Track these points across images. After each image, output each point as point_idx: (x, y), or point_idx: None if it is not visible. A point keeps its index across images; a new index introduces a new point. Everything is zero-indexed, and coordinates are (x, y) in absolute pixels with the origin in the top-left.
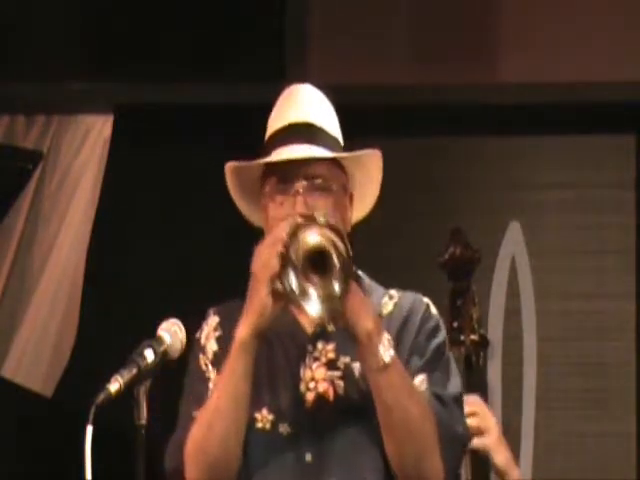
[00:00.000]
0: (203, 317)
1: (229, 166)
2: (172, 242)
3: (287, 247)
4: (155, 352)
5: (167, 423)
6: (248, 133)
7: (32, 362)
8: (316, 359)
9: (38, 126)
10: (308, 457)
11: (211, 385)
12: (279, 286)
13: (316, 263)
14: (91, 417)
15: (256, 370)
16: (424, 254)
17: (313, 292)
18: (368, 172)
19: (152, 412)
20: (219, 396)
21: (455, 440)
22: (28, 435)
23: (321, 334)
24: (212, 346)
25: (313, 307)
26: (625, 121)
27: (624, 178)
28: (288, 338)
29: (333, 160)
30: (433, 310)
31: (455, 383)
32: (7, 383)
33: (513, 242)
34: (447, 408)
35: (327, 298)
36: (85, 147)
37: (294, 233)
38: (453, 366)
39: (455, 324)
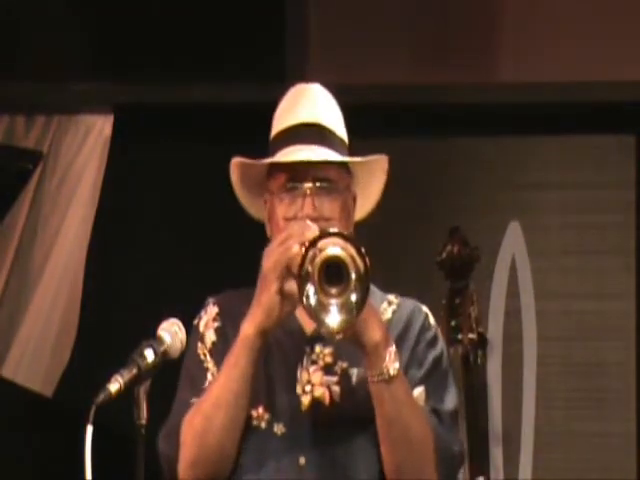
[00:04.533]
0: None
1: (235, 162)
2: (172, 242)
3: (303, 260)
4: (155, 352)
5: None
6: (248, 133)
7: (32, 362)
8: (314, 362)
9: (38, 126)
10: (302, 460)
11: (209, 375)
12: (291, 296)
13: (332, 275)
14: (91, 417)
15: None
16: (424, 254)
17: (331, 304)
18: (373, 175)
19: (152, 412)
20: (219, 389)
21: (452, 459)
22: (28, 435)
23: (319, 336)
24: (210, 336)
25: (332, 319)
26: (625, 121)
27: (624, 178)
28: (287, 337)
29: (340, 162)
30: (432, 320)
31: (452, 397)
32: (7, 383)
33: (513, 242)
34: (444, 425)
35: (344, 308)
36: (85, 147)
37: (310, 245)
38: (451, 379)
39: (453, 323)
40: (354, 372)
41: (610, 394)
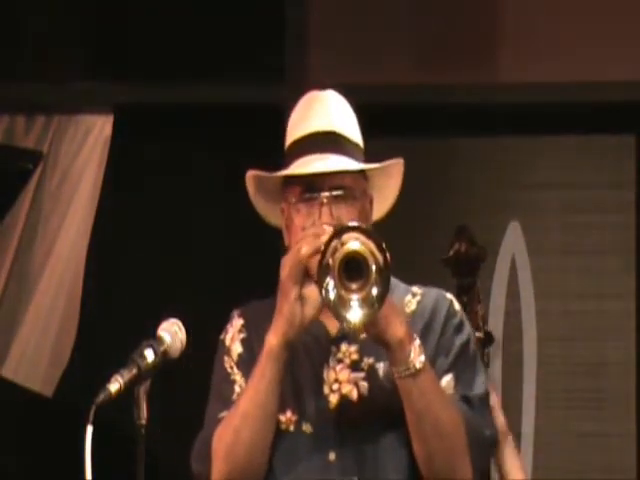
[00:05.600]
0: (226, 318)
1: (250, 175)
2: (172, 242)
3: (325, 251)
4: (155, 352)
5: (167, 423)
6: (248, 133)
7: (32, 362)
8: (340, 361)
9: (38, 126)
10: (332, 456)
11: (237, 387)
12: (311, 299)
13: (352, 270)
14: (91, 417)
15: None
16: (424, 254)
17: (352, 299)
18: (390, 177)
19: (152, 412)
20: (247, 402)
21: (483, 443)
22: (28, 435)
23: (344, 335)
24: (237, 348)
25: (354, 314)
26: (625, 121)
27: (624, 178)
28: (311, 339)
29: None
30: (457, 306)
31: (481, 381)
32: (7, 383)
33: (513, 242)
34: (474, 410)
35: (365, 302)
36: (85, 147)
37: (333, 236)
38: (479, 363)
39: None
40: (380, 366)
41: (610, 394)
